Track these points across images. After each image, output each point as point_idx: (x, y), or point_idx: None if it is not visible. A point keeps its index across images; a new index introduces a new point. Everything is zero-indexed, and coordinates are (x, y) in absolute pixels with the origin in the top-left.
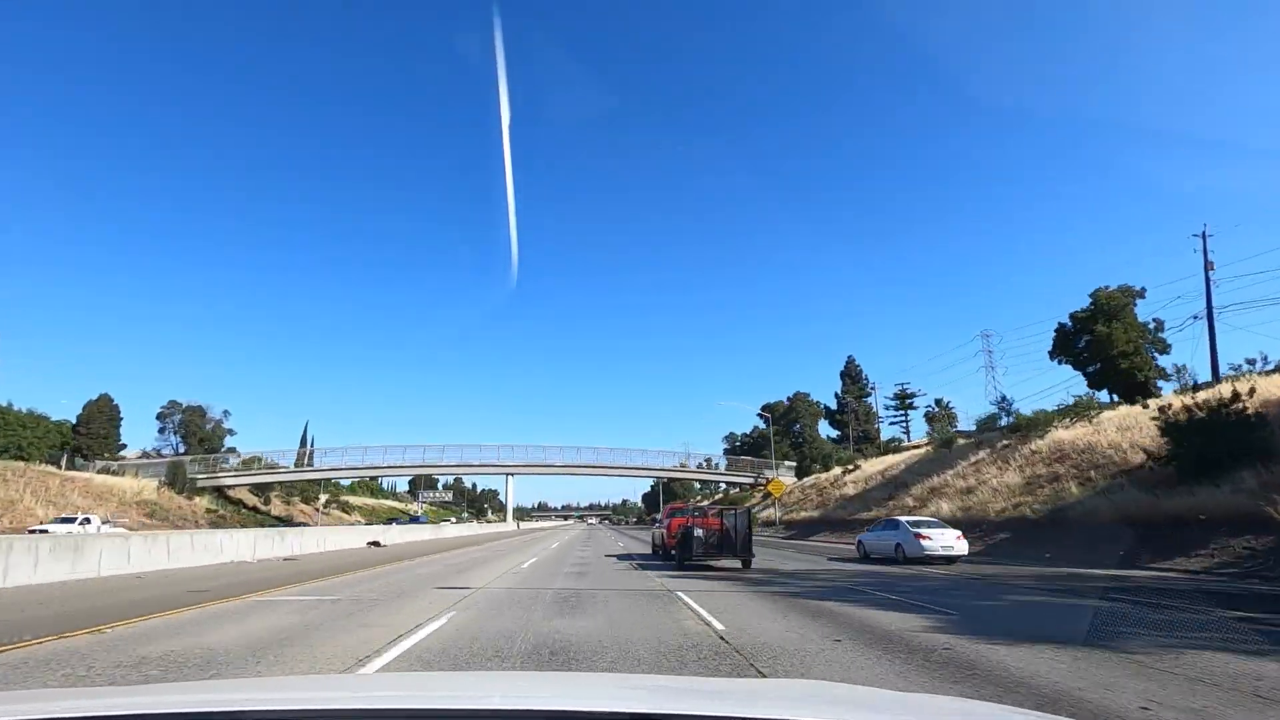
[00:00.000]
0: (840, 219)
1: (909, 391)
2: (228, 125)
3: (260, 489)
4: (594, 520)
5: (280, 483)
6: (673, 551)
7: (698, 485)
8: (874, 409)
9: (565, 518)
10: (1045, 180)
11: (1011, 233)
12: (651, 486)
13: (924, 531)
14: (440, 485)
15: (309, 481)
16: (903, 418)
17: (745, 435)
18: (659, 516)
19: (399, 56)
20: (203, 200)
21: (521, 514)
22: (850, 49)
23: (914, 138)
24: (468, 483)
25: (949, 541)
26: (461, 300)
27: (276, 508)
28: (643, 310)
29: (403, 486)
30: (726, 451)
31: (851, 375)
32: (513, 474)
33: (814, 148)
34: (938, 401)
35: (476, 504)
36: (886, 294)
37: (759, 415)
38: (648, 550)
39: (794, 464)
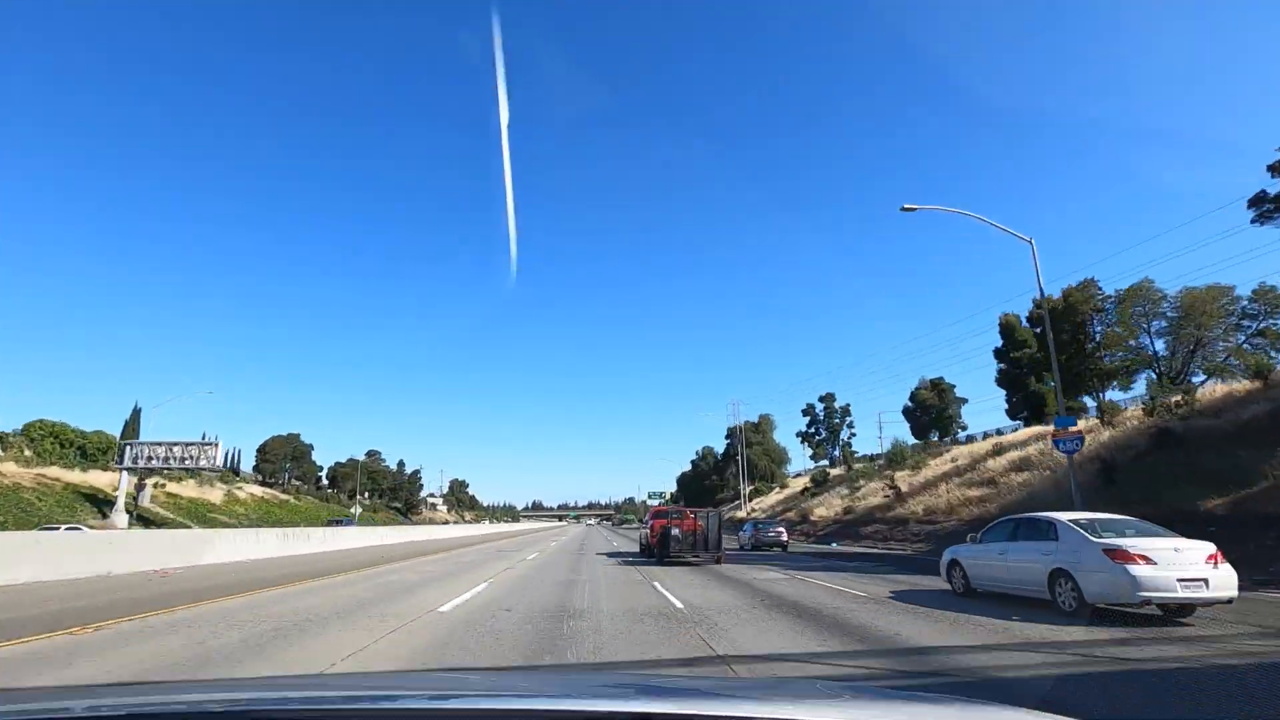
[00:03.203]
0: (837, 222)
1: None
2: (227, 131)
3: None
4: (592, 521)
5: None
6: (654, 549)
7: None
8: None
9: (560, 518)
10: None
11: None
12: (692, 464)
13: (1129, 547)
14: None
15: None
16: None
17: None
18: (646, 518)
19: (400, 61)
20: (201, 202)
21: (509, 513)
22: (849, 53)
23: (907, 139)
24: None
25: (1195, 570)
26: (461, 301)
27: None
28: (642, 306)
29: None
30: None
31: None
32: None
33: (814, 152)
34: None
35: (400, 493)
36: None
37: None
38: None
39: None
